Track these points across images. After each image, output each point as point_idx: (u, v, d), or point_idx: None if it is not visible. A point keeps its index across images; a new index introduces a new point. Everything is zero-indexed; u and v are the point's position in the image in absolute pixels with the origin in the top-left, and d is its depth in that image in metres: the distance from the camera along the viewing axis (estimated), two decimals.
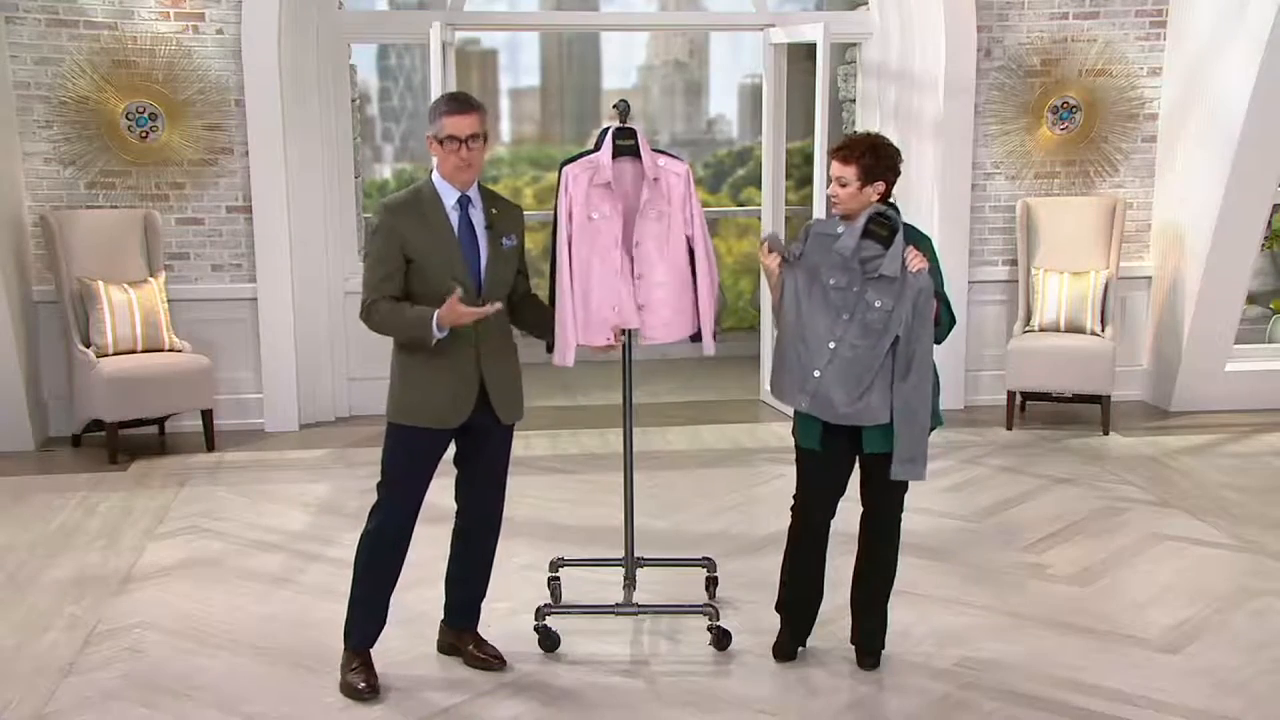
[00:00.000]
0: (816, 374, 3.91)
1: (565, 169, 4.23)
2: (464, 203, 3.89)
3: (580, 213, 4.18)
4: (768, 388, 7.87)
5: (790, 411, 4.12)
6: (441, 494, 4.11)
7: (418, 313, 3.80)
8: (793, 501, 4.16)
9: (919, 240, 4.01)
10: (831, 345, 3.89)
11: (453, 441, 4.01)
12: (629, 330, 4.31)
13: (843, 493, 4.10)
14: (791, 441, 4.14)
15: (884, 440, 3.93)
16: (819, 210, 7.29)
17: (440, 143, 3.83)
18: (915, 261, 3.83)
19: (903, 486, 4.06)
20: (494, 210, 3.95)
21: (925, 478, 3.99)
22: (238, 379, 7.35)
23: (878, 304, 3.85)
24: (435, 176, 3.91)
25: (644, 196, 4.22)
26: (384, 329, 3.88)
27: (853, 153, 3.91)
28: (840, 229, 3.91)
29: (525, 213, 4.15)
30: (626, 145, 4.22)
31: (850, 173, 3.90)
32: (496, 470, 4.10)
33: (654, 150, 4.28)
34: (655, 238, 4.24)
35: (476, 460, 4.05)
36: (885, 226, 3.84)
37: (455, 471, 4.10)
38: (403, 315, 3.82)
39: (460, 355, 3.87)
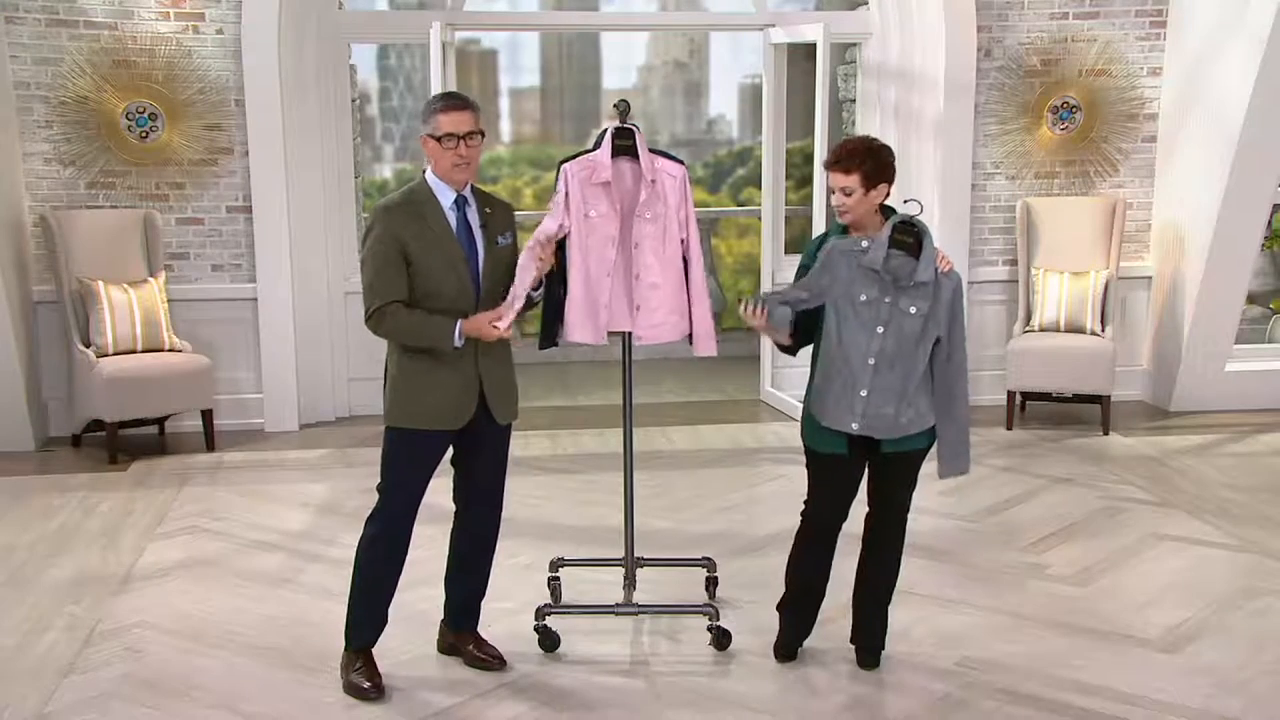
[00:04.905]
0: (864, 393, 3.86)
1: (564, 166, 4.22)
2: (461, 203, 3.89)
3: (577, 210, 4.17)
4: (769, 387, 7.97)
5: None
6: (441, 494, 4.11)
7: (437, 323, 3.79)
8: (804, 505, 4.13)
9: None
10: (871, 361, 3.85)
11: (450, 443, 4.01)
12: (624, 332, 4.31)
13: (855, 495, 4.09)
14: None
15: (902, 439, 3.93)
16: (819, 210, 7.28)
17: (438, 140, 3.81)
18: (945, 264, 3.85)
19: (911, 487, 4.07)
20: (488, 210, 3.94)
21: (969, 470, 4.03)
22: (238, 379, 7.35)
23: (913, 310, 3.82)
24: (430, 176, 3.89)
25: (641, 197, 4.22)
26: (397, 335, 3.85)
27: (852, 161, 3.89)
28: (865, 244, 3.86)
29: (524, 213, 4.14)
30: (625, 145, 4.21)
31: (853, 181, 3.88)
32: (494, 471, 4.09)
33: (653, 151, 4.26)
34: (652, 239, 4.23)
35: (474, 461, 4.04)
36: (910, 234, 3.82)
37: (453, 472, 4.09)
38: (421, 323, 3.80)
39: (460, 357, 3.86)
